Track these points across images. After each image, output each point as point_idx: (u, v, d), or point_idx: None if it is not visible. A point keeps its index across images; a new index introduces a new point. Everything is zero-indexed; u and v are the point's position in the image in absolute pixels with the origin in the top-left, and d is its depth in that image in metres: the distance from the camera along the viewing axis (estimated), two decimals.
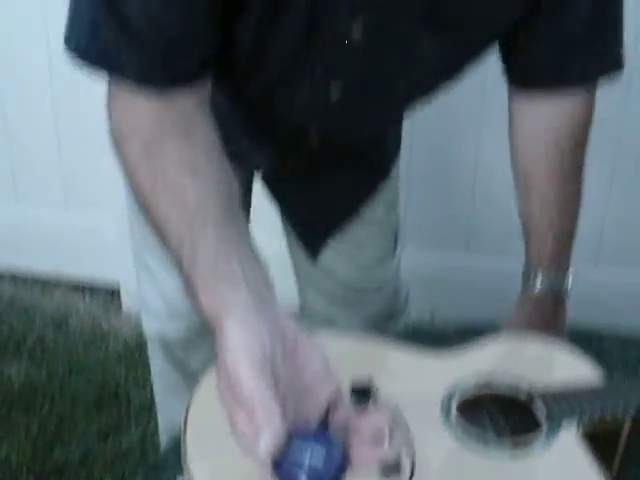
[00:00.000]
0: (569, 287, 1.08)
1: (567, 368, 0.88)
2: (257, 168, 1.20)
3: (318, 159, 1.13)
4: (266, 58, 0.90)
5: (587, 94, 1.03)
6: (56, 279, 2.26)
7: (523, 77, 1.03)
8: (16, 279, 2.32)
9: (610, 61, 1.01)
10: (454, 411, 0.79)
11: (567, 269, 1.07)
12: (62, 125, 1.91)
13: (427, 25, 0.89)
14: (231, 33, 0.86)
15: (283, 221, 1.28)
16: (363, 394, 0.76)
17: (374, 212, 1.26)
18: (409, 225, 1.68)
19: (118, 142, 0.83)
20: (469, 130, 1.64)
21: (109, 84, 0.84)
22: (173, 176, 0.78)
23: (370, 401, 0.75)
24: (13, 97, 1.95)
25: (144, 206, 0.80)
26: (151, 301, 1.28)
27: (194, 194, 0.76)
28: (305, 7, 0.83)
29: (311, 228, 1.26)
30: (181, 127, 0.81)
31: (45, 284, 2.29)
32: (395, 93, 1.01)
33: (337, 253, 1.27)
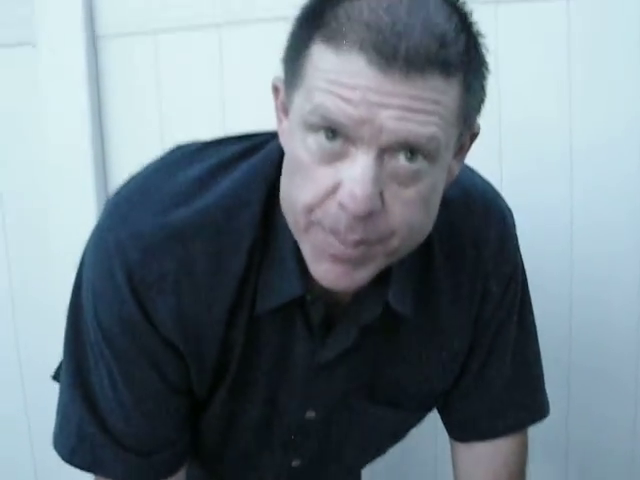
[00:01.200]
0: None
1: None
2: None
3: None
4: (230, 442, 0.97)
5: (519, 435, 1.06)
6: None
7: (457, 429, 1.07)
8: None
9: (535, 409, 1.06)
10: None
11: None
12: None
13: (376, 402, 0.97)
14: (197, 424, 0.94)
15: None
16: None
17: None
18: None
19: None
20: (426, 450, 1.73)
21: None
22: None
23: None
24: None
25: None
26: None
27: None
28: (263, 400, 0.91)
29: None
30: None
31: None
32: (352, 455, 1.07)
33: None
